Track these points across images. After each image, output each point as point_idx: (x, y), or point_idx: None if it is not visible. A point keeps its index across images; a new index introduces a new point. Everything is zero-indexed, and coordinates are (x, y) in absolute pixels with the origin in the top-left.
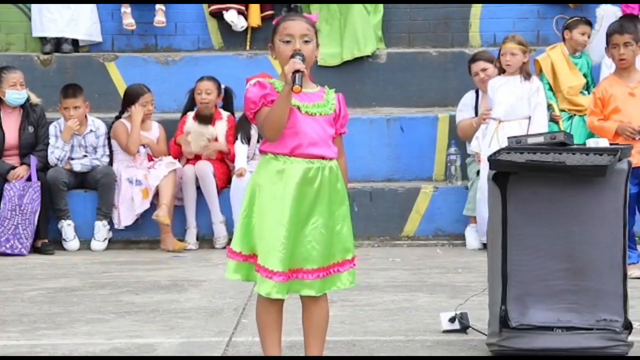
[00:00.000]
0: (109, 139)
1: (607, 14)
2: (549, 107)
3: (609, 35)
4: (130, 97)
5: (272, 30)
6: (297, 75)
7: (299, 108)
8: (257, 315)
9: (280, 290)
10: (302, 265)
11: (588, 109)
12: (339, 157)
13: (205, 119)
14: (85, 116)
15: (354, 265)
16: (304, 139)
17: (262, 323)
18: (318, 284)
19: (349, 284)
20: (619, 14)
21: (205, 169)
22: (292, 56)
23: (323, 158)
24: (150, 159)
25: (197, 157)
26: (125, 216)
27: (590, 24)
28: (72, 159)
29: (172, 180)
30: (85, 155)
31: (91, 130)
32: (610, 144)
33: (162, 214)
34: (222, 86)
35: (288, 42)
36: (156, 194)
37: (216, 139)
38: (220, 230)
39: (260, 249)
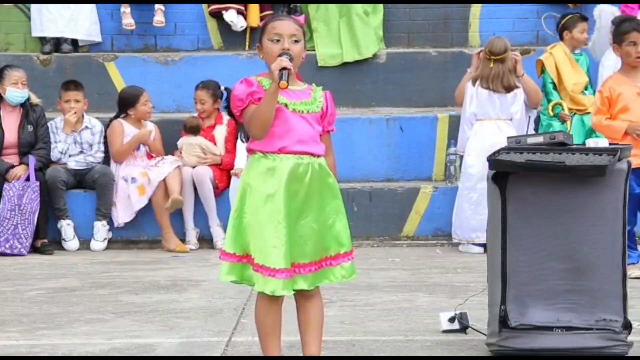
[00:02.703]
0: (105, 138)
1: (605, 13)
2: (558, 105)
3: (625, 32)
4: (129, 100)
5: (260, 31)
6: (284, 72)
7: (286, 106)
8: (257, 316)
9: (285, 287)
10: (295, 259)
11: (594, 108)
12: (328, 154)
13: (192, 129)
14: (82, 114)
15: (351, 259)
16: (292, 136)
17: (262, 324)
18: (310, 278)
19: (340, 277)
20: (617, 13)
21: (203, 174)
22: (280, 55)
23: (312, 155)
24: (149, 157)
25: None
26: (122, 214)
27: (585, 19)
28: (70, 155)
29: (177, 175)
30: (82, 152)
31: (87, 127)
32: (611, 144)
33: (175, 196)
34: (222, 88)
35: (277, 41)
36: (165, 192)
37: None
38: (218, 233)
39: (257, 248)
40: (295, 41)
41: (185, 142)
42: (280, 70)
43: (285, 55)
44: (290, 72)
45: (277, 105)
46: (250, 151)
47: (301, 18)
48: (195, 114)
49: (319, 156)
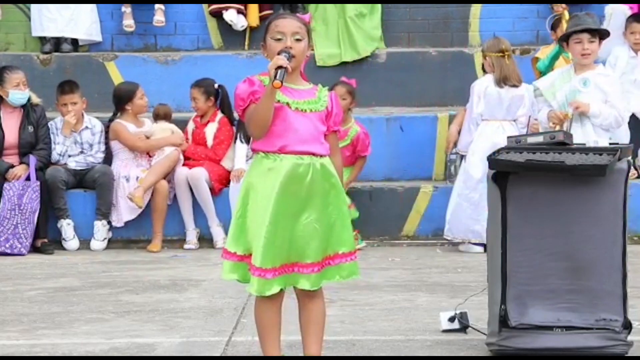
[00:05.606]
0: (106, 138)
1: (616, 12)
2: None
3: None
4: (125, 96)
5: (264, 29)
6: (279, 71)
7: (288, 104)
8: (256, 315)
9: (271, 287)
10: (297, 259)
11: None
12: (334, 154)
13: (165, 116)
14: (82, 113)
15: (351, 259)
16: (293, 135)
17: (261, 323)
18: (313, 278)
19: (338, 277)
20: (628, 12)
21: (199, 175)
22: (279, 53)
23: (313, 154)
24: (148, 156)
25: (191, 162)
26: (125, 212)
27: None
28: (69, 156)
29: (163, 166)
30: (82, 152)
31: (87, 127)
32: (611, 144)
33: (138, 195)
34: (216, 85)
35: (279, 39)
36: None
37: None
38: (218, 233)
39: (253, 248)
40: (298, 39)
41: (159, 127)
42: (276, 69)
43: (284, 53)
44: (287, 71)
45: (278, 104)
46: (254, 151)
47: (306, 16)
48: (194, 114)
49: (321, 156)
